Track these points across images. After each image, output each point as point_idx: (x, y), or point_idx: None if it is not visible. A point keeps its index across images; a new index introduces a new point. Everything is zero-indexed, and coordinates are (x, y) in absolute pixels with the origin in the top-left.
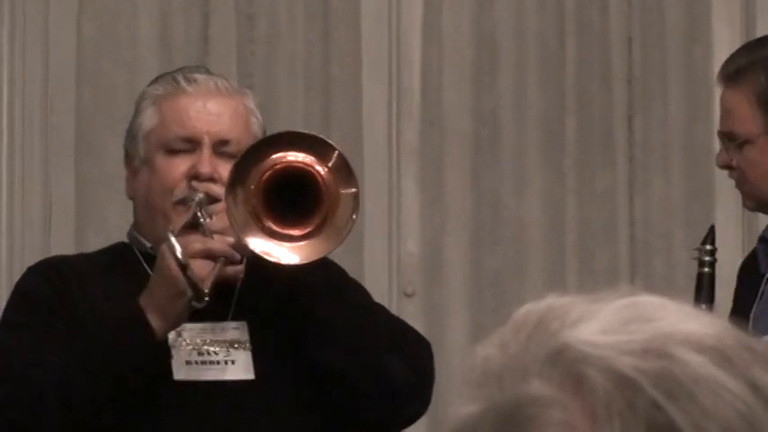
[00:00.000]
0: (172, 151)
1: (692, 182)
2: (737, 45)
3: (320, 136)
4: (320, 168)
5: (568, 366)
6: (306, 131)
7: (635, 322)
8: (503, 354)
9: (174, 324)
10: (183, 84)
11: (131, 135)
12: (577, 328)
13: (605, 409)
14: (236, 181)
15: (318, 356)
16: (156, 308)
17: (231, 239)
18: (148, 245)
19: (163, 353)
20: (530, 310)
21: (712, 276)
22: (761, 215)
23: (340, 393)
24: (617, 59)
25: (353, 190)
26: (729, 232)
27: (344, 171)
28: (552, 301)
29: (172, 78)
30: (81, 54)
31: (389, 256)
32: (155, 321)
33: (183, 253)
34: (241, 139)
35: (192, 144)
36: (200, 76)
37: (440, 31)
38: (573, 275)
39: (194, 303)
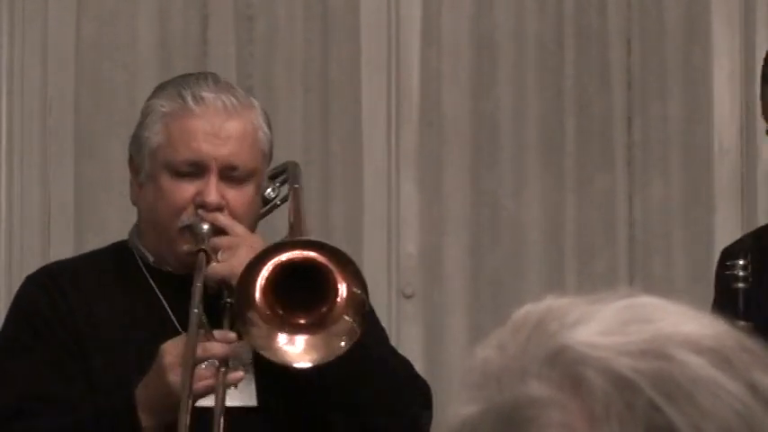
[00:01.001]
0: (178, 174)
1: (692, 183)
2: (737, 47)
3: (359, 269)
4: (340, 282)
5: (567, 367)
6: (347, 253)
7: (634, 323)
8: (502, 355)
9: (167, 427)
10: (191, 103)
11: (137, 145)
12: (576, 330)
13: (604, 410)
14: (243, 306)
15: (314, 402)
16: (150, 409)
17: (232, 335)
18: (151, 259)
19: None
20: (529, 311)
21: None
22: (760, 217)
23: None
24: (616, 61)
25: (355, 326)
26: (728, 234)
27: (359, 308)
28: (551, 302)
29: (179, 95)
30: (80, 55)
31: (388, 257)
32: (146, 419)
33: None
34: (248, 163)
35: (198, 168)
36: (207, 95)
37: (439, 33)
38: (572, 277)
39: None
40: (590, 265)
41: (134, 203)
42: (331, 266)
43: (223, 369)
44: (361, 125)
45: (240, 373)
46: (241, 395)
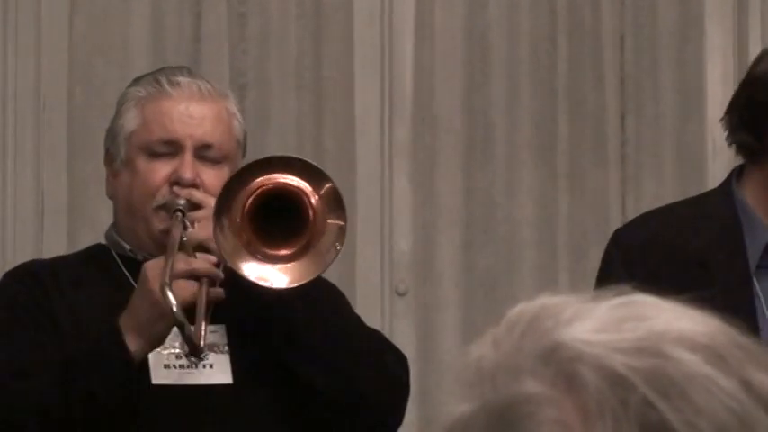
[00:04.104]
0: (153, 154)
1: (684, 181)
2: (730, 45)
3: (316, 164)
4: (311, 194)
5: (561, 364)
6: (303, 158)
7: (628, 321)
8: (496, 352)
9: (155, 345)
10: (167, 86)
11: (112, 135)
12: (571, 327)
13: (598, 406)
14: (221, 210)
15: (292, 366)
16: (136, 329)
17: (214, 258)
18: (128, 247)
19: (140, 373)
20: (523, 308)
21: None
22: None
23: (313, 404)
24: (609, 58)
25: (341, 223)
26: None
27: (335, 203)
28: (546, 299)
29: (154, 80)
30: (73, 53)
31: (381, 254)
32: (133, 343)
33: (179, 307)
34: (223, 144)
35: (174, 148)
36: (183, 79)
37: (432, 30)
38: (565, 274)
39: (192, 358)
40: (583, 262)
41: (110, 197)
42: (301, 183)
43: (206, 282)
44: (355, 122)
45: (221, 290)
46: (216, 373)
